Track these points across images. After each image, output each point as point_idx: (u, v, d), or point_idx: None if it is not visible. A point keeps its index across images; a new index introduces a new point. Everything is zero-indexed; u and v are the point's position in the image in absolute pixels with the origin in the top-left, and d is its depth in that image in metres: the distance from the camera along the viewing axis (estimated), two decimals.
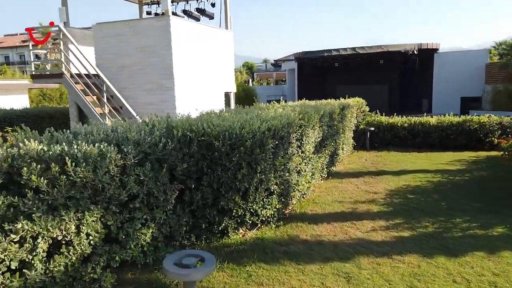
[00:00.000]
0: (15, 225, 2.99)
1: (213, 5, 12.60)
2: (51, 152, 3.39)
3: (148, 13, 13.44)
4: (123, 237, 3.84)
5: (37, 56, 13.17)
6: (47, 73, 10.34)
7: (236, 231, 5.04)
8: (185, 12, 11.34)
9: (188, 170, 4.58)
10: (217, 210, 4.82)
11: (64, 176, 3.27)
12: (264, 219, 5.24)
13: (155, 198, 4.19)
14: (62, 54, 9.85)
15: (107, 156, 3.59)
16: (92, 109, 9.67)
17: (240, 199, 4.81)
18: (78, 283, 3.48)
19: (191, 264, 3.16)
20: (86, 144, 3.61)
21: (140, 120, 5.71)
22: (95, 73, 10.19)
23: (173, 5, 13.39)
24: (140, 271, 4.17)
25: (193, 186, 4.66)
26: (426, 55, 28.07)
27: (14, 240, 2.99)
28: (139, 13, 13.58)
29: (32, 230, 3.08)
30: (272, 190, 5.22)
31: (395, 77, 32.12)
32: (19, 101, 15.34)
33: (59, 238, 3.28)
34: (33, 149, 3.37)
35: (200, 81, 10.99)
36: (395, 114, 14.21)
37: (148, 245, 4.18)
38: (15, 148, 3.39)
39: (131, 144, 4.01)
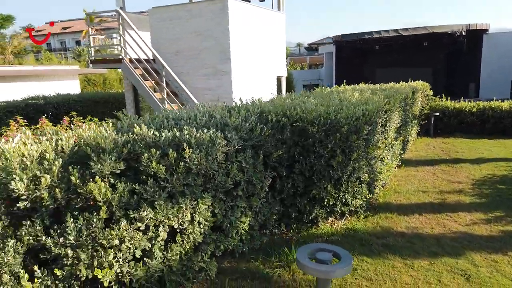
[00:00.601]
0: (140, 213, 2.91)
1: None
2: (163, 138, 3.28)
3: None
4: (227, 225, 3.73)
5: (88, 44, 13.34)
6: (106, 58, 10.41)
7: (325, 220, 4.86)
8: None
9: (280, 157, 4.40)
10: (308, 199, 4.64)
11: (182, 163, 3.16)
12: (353, 209, 5.03)
13: (252, 186, 4.05)
14: (121, 38, 9.87)
15: (216, 143, 3.45)
16: (151, 94, 9.67)
17: (332, 188, 4.61)
18: (190, 271, 3.40)
19: (327, 259, 2.99)
20: (195, 130, 3.48)
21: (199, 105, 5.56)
22: (152, 58, 10.17)
23: None
24: (237, 260, 4.07)
25: (284, 174, 4.49)
26: (475, 36, 26.67)
27: (140, 229, 2.92)
28: None
29: (155, 218, 3.00)
30: (362, 179, 4.99)
31: (440, 60, 30.78)
32: (71, 86, 15.65)
33: (175, 226, 3.19)
34: (148, 135, 3.27)
35: (254, 65, 10.78)
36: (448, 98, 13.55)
37: (246, 234, 4.06)
38: (129, 133, 3.30)
39: (233, 130, 3.86)
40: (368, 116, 4.73)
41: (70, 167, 2.96)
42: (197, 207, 3.32)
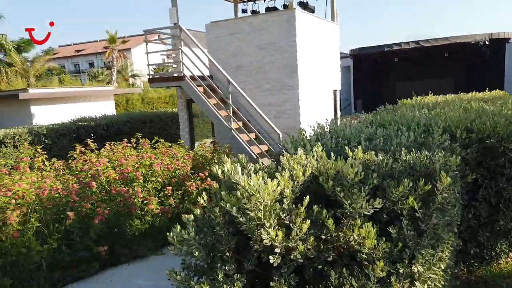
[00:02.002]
0: (412, 268, 2.14)
1: None
2: (401, 164, 2.52)
3: (244, 11, 12.69)
4: None
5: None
6: (166, 76, 9.75)
7: (506, 256, 4.07)
8: (300, 4, 10.51)
9: (465, 181, 3.64)
10: (492, 231, 3.86)
11: (439, 196, 2.39)
12: None
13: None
14: (182, 55, 9.21)
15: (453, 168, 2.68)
16: (216, 112, 8.96)
17: None
18: None
19: None
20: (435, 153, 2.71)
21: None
22: (209, 75, 9.50)
23: (246, 3, 12.63)
24: None
25: (465, 201, 3.72)
26: (497, 45, 26.19)
27: None
28: (234, 12, 12.84)
29: (424, 274, 2.22)
30: None
31: (462, 71, 30.22)
32: (106, 107, 15.01)
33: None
34: (377, 159, 2.52)
35: (315, 79, 10.11)
36: None
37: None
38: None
39: (441, 151, 3.09)
40: None
41: (315, 207, 2.21)
42: (444, 253, 2.54)
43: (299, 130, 3.64)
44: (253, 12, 12.44)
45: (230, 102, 8.94)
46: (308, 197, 2.16)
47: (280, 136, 8.57)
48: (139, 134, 8.35)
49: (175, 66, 10.51)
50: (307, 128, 9.67)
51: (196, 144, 10.88)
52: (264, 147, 9.02)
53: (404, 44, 28.96)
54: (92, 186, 5.23)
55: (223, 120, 8.92)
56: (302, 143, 3.14)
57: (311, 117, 9.79)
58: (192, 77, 9.20)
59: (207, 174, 6.44)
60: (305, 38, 9.37)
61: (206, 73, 9.52)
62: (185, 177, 6.55)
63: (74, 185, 5.27)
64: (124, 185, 5.93)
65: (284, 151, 3.10)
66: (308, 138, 3.48)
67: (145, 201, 5.52)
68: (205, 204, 2.41)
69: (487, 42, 26.03)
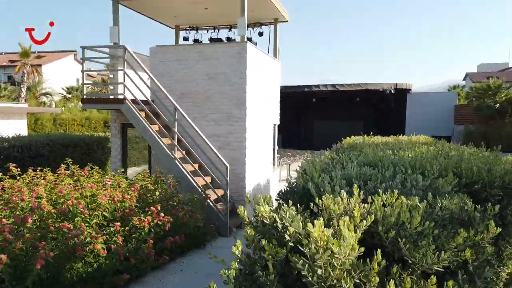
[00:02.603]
0: None
1: (260, 34, 11.87)
2: None
3: (185, 38, 12.35)
4: None
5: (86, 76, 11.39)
6: (103, 98, 8.81)
7: None
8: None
9: None
10: None
11: None
12: None
13: None
14: (124, 76, 8.47)
15: None
16: (159, 140, 8.31)
17: None
18: None
19: None
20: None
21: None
22: (151, 99, 8.87)
23: (188, 31, 12.45)
24: None
25: None
26: (400, 94, 29.35)
27: None
28: (175, 39, 12.40)
29: None
30: None
31: (370, 115, 33.17)
32: (18, 126, 13.14)
33: None
34: None
35: (260, 112, 10.05)
36: None
37: None
38: None
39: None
40: None
41: (383, 262, 1.91)
42: None
43: (312, 162, 3.37)
44: (195, 41, 12.17)
45: (176, 129, 8.37)
46: (379, 251, 1.87)
47: (228, 168, 8.20)
48: (70, 160, 7.34)
49: (111, 87, 9.64)
50: (250, 161, 9.47)
51: (129, 172, 9.95)
52: (208, 179, 8.54)
53: (323, 86, 30.93)
54: (28, 222, 4.28)
55: (166, 149, 8.29)
56: (324, 183, 2.86)
57: (254, 150, 9.63)
58: (134, 101, 8.49)
59: (159, 208, 5.78)
60: (253, 71, 9.31)
61: (148, 97, 8.86)
62: (130, 211, 5.80)
63: (3, 219, 4.25)
64: (62, 220, 5.00)
65: (309, 189, 2.78)
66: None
67: (87, 239, 4.69)
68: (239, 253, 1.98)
69: (392, 91, 28.95)
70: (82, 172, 6.33)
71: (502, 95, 24.94)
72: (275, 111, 11.50)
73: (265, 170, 10.65)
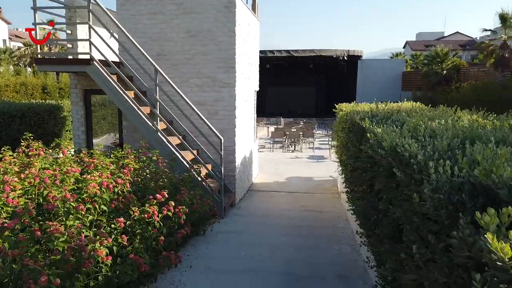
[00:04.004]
0: None
1: None
2: None
3: None
4: None
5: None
6: (69, 57, 7.05)
7: None
8: None
9: None
10: None
11: None
12: None
13: None
14: (90, 32, 6.80)
15: None
16: (138, 109, 6.90)
17: None
18: None
19: None
20: None
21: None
22: (118, 61, 7.35)
23: None
24: None
25: None
26: (352, 61, 29.34)
27: None
28: None
29: None
30: None
31: (323, 82, 32.99)
32: None
33: None
34: None
35: (246, 77, 8.89)
36: None
37: None
38: None
39: None
40: None
41: None
42: None
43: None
44: None
45: (158, 97, 6.99)
46: None
47: (222, 141, 7.07)
48: (30, 135, 5.75)
49: (69, 46, 7.86)
50: (240, 133, 8.39)
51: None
52: (195, 152, 7.37)
53: (277, 52, 29.92)
54: (9, 227, 2.95)
55: (147, 120, 6.92)
56: None
57: (242, 120, 8.54)
58: (102, 62, 6.91)
59: (166, 194, 4.59)
60: (241, 29, 8.05)
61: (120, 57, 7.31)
62: (127, 199, 4.56)
63: None
64: (44, 219, 3.67)
65: None
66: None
67: (90, 245, 3.44)
68: None
69: (345, 58, 28.75)
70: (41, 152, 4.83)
71: (449, 63, 25.70)
72: (256, 75, 10.36)
73: (249, 141, 9.63)
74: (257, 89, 10.60)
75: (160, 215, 4.25)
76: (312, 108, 32.80)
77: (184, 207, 4.58)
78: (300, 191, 9.16)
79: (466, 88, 23.76)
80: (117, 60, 7.14)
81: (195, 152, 7.36)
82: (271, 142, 15.52)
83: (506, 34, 21.30)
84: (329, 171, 11.14)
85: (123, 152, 6.13)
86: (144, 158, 6.11)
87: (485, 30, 22.79)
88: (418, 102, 7.87)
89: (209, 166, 7.52)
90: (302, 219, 7.16)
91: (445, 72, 25.26)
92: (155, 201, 4.37)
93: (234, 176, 8.00)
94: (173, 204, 4.42)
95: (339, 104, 9.25)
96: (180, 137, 7.30)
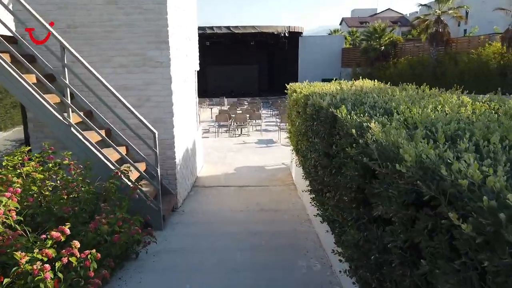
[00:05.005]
0: None
1: None
2: None
3: None
4: None
5: None
6: None
7: None
8: None
9: None
10: None
11: None
12: None
13: None
14: None
15: None
16: (39, 96, 5.14)
17: None
18: None
19: None
20: None
21: None
22: (18, 35, 5.46)
23: None
24: None
25: None
26: (293, 37, 28.40)
27: None
28: None
29: None
30: None
31: (264, 59, 31.74)
32: None
33: None
34: None
35: (182, 54, 7.32)
36: None
37: None
38: None
39: None
40: None
41: None
42: None
43: None
44: None
45: (67, 81, 5.25)
46: None
47: (156, 135, 5.55)
48: None
49: None
50: (178, 122, 6.88)
51: None
52: (122, 150, 5.81)
53: (217, 28, 28.10)
54: None
55: (54, 112, 5.19)
56: None
57: (181, 106, 7.03)
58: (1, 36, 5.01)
59: (68, 230, 3.07)
60: None
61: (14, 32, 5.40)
62: (8, 240, 3.00)
63: None
64: None
65: None
66: None
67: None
68: None
69: (286, 34, 27.70)
70: None
71: (386, 38, 25.65)
72: (195, 53, 8.79)
73: (192, 129, 8.15)
74: (197, 68, 9.04)
75: (58, 264, 2.76)
76: (255, 87, 31.60)
77: (94, 251, 3.09)
78: (252, 184, 7.95)
79: (403, 63, 23.87)
80: (9, 35, 5.23)
81: (123, 149, 5.79)
82: (216, 126, 14.08)
83: (440, 9, 21.38)
84: (280, 157, 10.05)
85: (21, 157, 4.44)
86: (50, 165, 4.47)
87: (421, 5, 22.78)
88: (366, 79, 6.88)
89: (142, 166, 6.01)
90: (257, 222, 5.96)
91: (383, 47, 25.20)
92: (50, 241, 2.85)
93: (174, 175, 6.55)
94: (78, 246, 2.95)
95: (289, 84, 8.09)
96: (103, 132, 5.67)
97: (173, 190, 6.54)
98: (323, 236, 5.02)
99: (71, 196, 4.06)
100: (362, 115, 3.29)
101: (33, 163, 4.50)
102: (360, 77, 8.48)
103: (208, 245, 5.07)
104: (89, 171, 4.47)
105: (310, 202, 5.13)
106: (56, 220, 3.70)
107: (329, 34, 40.94)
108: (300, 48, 29.99)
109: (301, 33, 29.47)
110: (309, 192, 5.30)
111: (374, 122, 2.87)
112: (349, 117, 3.20)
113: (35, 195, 3.87)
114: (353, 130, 2.90)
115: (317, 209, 4.77)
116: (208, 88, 30.90)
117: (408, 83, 4.80)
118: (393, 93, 4.67)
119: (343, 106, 3.53)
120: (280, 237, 5.33)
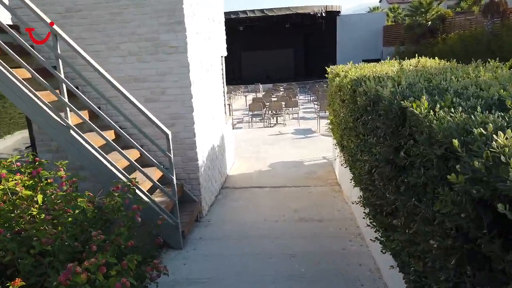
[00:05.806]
0: None
1: None
2: None
3: None
4: None
5: None
6: None
7: None
8: None
9: None
10: None
11: None
12: None
13: None
14: None
15: None
16: (34, 96, 4.22)
17: None
18: None
19: None
20: None
21: None
22: (6, 25, 4.55)
23: None
24: None
25: None
26: (331, 18, 26.44)
27: None
28: None
29: None
30: None
31: (300, 42, 29.96)
32: None
33: None
34: None
35: (204, 37, 6.18)
36: None
37: None
38: None
39: None
40: None
41: None
42: None
43: None
44: None
45: (62, 75, 4.29)
46: None
47: (170, 136, 4.49)
48: None
49: None
50: (200, 117, 5.71)
51: None
52: (132, 154, 4.84)
53: (250, 12, 26.71)
54: None
55: (50, 112, 4.27)
56: None
57: (203, 97, 5.93)
58: None
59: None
60: None
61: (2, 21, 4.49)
62: None
63: None
64: None
65: None
66: None
67: None
68: None
69: (323, 14, 25.83)
70: None
71: (433, 13, 23.12)
72: (221, 36, 7.63)
73: (219, 123, 7.06)
74: (225, 53, 7.88)
75: None
76: (291, 71, 30.03)
77: None
78: (289, 184, 6.78)
79: (453, 38, 21.34)
80: (3, 24, 4.32)
81: (136, 153, 4.81)
82: (250, 115, 12.96)
83: None
84: (320, 149, 8.77)
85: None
86: (35, 179, 3.55)
87: None
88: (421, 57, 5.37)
89: (158, 173, 5.02)
90: (296, 237, 4.81)
91: (429, 23, 22.72)
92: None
93: (197, 179, 5.51)
94: None
95: (330, 67, 6.80)
96: (112, 133, 4.72)
97: (197, 197, 5.51)
98: (382, 263, 3.80)
99: (55, 221, 3.10)
100: (453, 109, 2.07)
101: (24, 176, 3.60)
102: (405, 56, 7.12)
103: (235, 272, 4.00)
104: (76, 189, 3.49)
105: (364, 218, 3.91)
106: (34, 255, 2.76)
107: (368, 12, 38.25)
108: (338, 28, 27.95)
109: (339, 12, 27.42)
110: (361, 205, 4.07)
111: (493, 128, 1.64)
112: (433, 115, 1.96)
113: (6, 224, 2.94)
114: (455, 142, 1.67)
115: (375, 230, 3.55)
116: (243, 75, 29.76)
117: (459, 61, 4.13)
118: (473, 73, 3.30)
119: (423, 97, 2.27)
120: (326, 261, 4.15)
